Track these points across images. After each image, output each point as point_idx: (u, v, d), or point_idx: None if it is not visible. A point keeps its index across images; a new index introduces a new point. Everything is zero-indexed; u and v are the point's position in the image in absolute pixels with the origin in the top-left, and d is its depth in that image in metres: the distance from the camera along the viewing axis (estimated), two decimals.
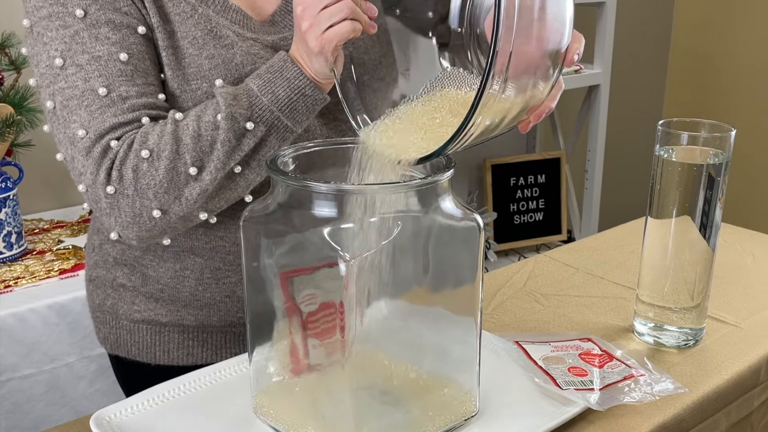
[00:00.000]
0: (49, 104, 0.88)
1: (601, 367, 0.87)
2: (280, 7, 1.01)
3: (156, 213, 0.87)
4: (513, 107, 0.70)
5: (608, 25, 2.55)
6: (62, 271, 1.56)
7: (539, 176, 2.80)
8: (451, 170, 0.74)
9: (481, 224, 0.76)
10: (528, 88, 0.70)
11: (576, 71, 2.56)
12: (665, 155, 0.95)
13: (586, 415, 0.82)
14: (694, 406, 0.87)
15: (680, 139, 0.94)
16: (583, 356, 0.90)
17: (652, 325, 1.00)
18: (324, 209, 0.71)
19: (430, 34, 0.94)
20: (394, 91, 0.94)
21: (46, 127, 0.92)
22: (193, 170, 0.86)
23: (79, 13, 0.87)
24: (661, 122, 0.96)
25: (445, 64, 0.94)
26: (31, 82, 0.91)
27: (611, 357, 0.90)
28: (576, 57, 0.77)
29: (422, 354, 0.80)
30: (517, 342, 0.93)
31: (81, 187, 0.89)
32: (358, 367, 0.74)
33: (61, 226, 1.81)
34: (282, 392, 0.79)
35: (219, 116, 0.87)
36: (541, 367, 0.87)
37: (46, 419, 1.47)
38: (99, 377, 1.54)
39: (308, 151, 0.81)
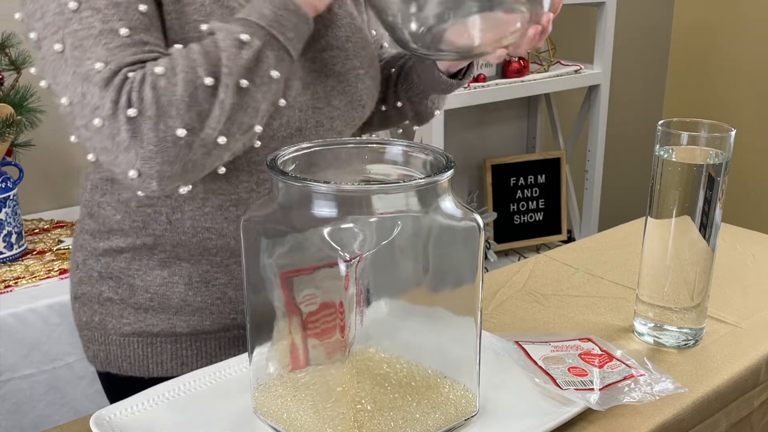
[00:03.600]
0: (57, 47, 0.85)
1: (601, 367, 0.87)
2: None
3: (180, 132, 0.84)
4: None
5: (608, 25, 2.55)
6: (62, 271, 1.56)
7: (539, 176, 2.80)
8: (451, 170, 0.74)
9: (481, 224, 0.76)
10: None
11: (576, 71, 2.56)
12: (665, 155, 0.95)
13: (586, 415, 0.82)
14: (694, 406, 0.87)
15: (680, 139, 0.94)
16: (583, 356, 0.90)
17: (652, 325, 1.00)
18: (324, 209, 0.71)
19: None
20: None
21: (43, 83, 0.88)
22: (209, 80, 0.84)
23: None
24: (661, 122, 0.96)
25: None
26: (32, 36, 0.88)
27: (611, 357, 0.90)
28: None
29: (422, 354, 0.80)
30: (517, 342, 0.93)
31: (96, 122, 0.84)
32: (357, 367, 0.74)
33: (61, 226, 1.81)
34: (282, 392, 0.79)
35: (217, 35, 0.87)
36: (541, 367, 0.87)
37: (46, 419, 1.47)
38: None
39: (308, 151, 0.81)
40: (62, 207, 1.94)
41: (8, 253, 1.59)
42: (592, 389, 0.83)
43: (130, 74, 0.85)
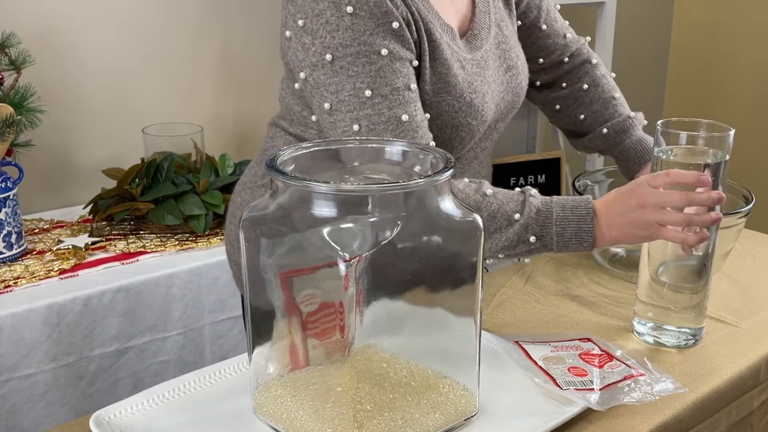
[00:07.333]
0: (355, 127, 1.01)
1: (601, 367, 0.87)
2: (475, 24, 1.15)
3: None
4: None
5: (608, 25, 2.55)
6: (62, 271, 1.56)
7: (539, 176, 2.79)
8: (451, 170, 0.74)
9: (481, 224, 0.76)
10: None
11: None
12: (665, 155, 0.95)
13: (586, 415, 0.82)
14: (694, 406, 0.87)
15: (680, 139, 0.94)
16: (583, 356, 0.90)
17: (651, 325, 1.00)
18: (324, 209, 0.71)
19: None
20: None
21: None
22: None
23: (384, 51, 1.00)
24: (660, 122, 0.96)
25: None
26: (326, 106, 1.02)
27: (611, 357, 0.90)
28: None
29: (422, 354, 0.80)
30: (517, 342, 0.93)
31: None
32: (357, 367, 0.74)
33: (61, 226, 1.80)
34: (282, 392, 0.79)
35: (517, 216, 0.99)
36: (541, 367, 0.87)
37: (46, 419, 1.47)
38: (99, 377, 1.54)
39: (308, 151, 0.81)
40: (62, 207, 1.93)
41: (8, 253, 1.59)
42: (592, 389, 0.83)
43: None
